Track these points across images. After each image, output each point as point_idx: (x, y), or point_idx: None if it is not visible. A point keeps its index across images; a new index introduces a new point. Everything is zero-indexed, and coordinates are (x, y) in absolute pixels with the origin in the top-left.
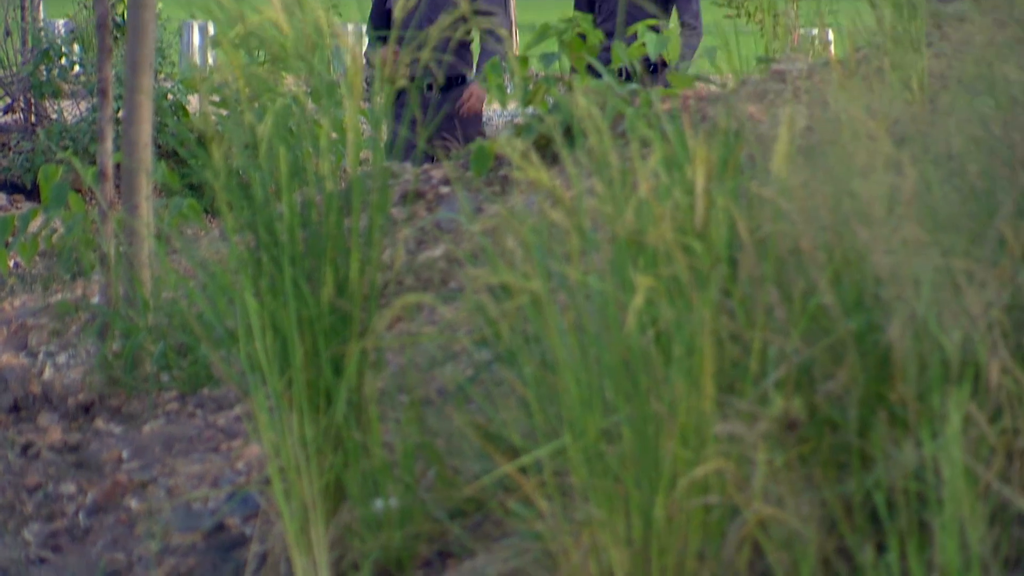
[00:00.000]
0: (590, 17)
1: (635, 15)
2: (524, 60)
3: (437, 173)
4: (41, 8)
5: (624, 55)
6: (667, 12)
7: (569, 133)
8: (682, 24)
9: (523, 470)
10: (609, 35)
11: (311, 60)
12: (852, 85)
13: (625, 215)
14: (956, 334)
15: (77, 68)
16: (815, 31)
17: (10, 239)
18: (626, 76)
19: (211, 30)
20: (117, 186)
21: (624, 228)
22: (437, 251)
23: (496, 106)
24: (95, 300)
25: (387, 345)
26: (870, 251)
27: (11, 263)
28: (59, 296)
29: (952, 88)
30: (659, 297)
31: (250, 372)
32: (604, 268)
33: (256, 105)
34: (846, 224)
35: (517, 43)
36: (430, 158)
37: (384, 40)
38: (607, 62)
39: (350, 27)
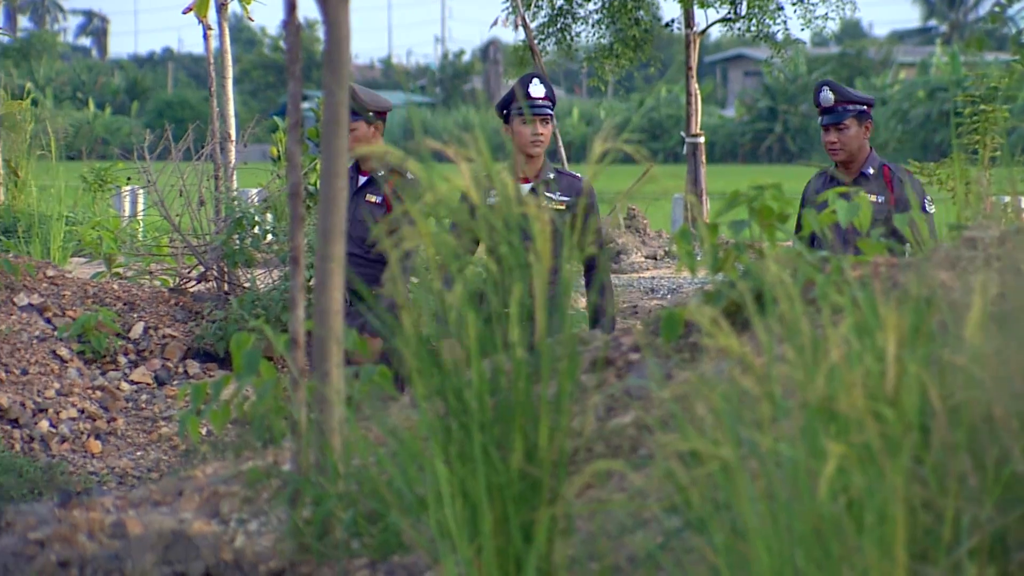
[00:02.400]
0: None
1: None
2: (714, 227)
3: (627, 340)
4: (234, 178)
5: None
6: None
7: (760, 300)
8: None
9: None
10: None
11: (500, 228)
12: None
13: (816, 382)
14: None
15: (269, 237)
16: (1007, 198)
17: (202, 406)
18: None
19: None
20: (308, 353)
21: (815, 395)
22: (627, 418)
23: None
24: (286, 467)
25: (577, 512)
26: None
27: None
28: (250, 463)
29: None
30: (851, 464)
31: (440, 539)
32: (795, 435)
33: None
34: None
35: (707, 210)
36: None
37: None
38: None
39: None
